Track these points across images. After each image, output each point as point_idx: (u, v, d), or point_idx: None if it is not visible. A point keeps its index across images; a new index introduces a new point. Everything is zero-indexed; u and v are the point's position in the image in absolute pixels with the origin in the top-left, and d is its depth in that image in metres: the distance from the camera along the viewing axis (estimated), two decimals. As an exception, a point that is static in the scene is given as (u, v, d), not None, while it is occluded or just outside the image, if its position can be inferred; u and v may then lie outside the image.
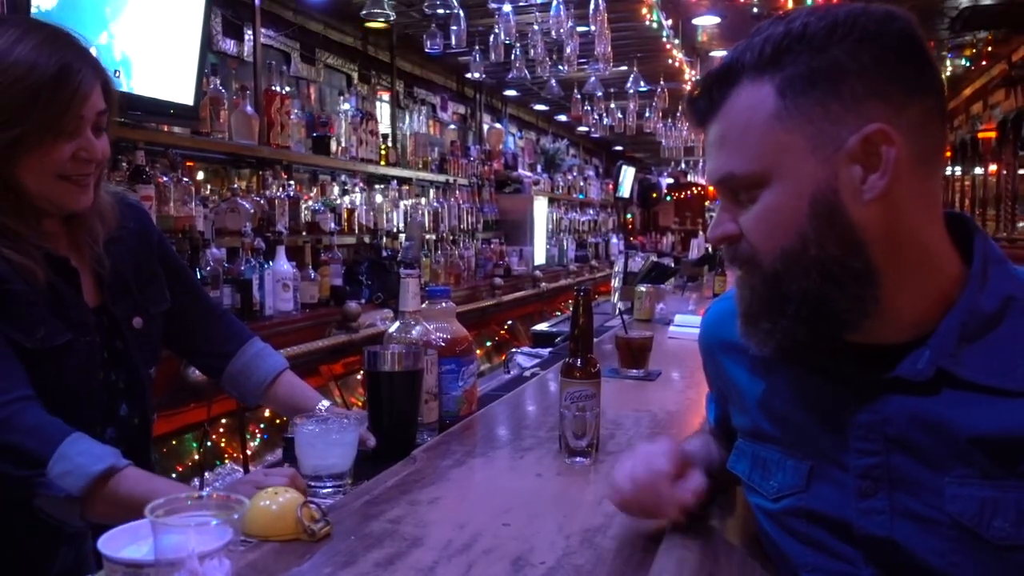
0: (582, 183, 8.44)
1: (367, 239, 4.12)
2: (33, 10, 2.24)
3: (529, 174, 6.87)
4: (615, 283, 3.73)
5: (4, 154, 1.11)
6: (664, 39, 5.07)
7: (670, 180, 12.81)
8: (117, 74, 2.61)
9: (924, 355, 0.79)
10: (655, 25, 4.81)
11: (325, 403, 1.42)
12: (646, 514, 0.99)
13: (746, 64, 0.81)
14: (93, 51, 1.22)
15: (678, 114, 8.32)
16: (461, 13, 3.99)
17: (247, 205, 3.23)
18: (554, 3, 3.87)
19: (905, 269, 0.80)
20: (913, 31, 0.79)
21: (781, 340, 0.84)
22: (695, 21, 5.01)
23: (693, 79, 5.91)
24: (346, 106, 4.41)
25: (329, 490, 1.17)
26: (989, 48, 6.35)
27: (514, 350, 2.79)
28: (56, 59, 1.12)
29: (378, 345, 1.43)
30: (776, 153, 0.79)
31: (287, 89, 3.75)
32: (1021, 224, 7.12)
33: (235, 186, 3.44)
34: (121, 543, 0.88)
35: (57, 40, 1.15)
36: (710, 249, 4.09)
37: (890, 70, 0.78)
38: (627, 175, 7.96)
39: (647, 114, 7.68)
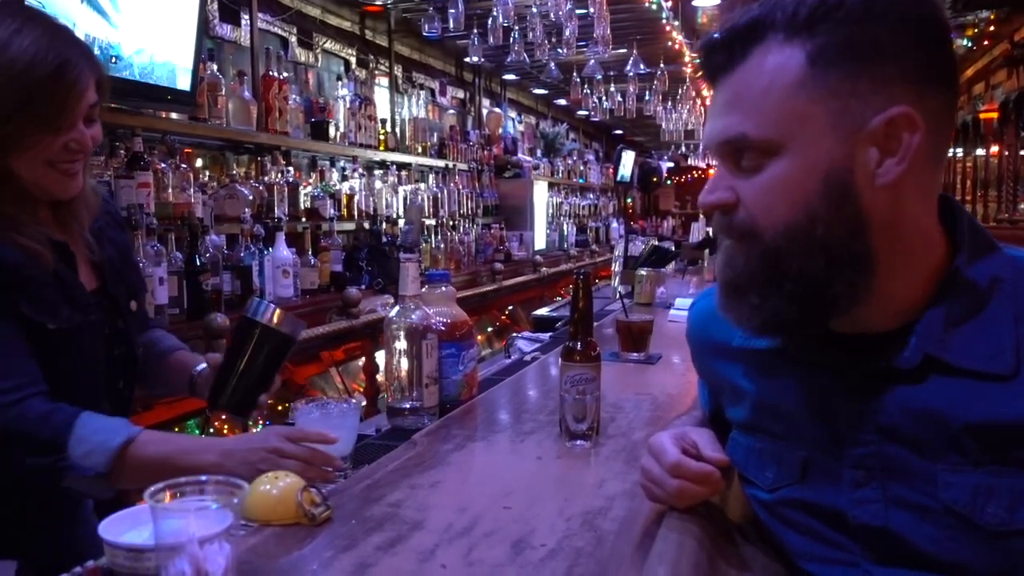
0: (582, 167, 8.41)
1: (367, 225, 4.11)
2: (27, -4, 2.22)
3: (529, 159, 6.85)
4: (615, 267, 3.72)
5: (1, 146, 1.13)
6: (664, 21, 5.04)
7: (670, 164, 12.77)
8: (113, 60, 2.60)
9: (911, 342, 0.79)
10: (654, 7, 4.78)
11: (202, 365, 1.41)
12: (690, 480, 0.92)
13: (776, 23, 0.77)
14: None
15: (678, 97, 8.28)
16: (459, -4, 3.96)
17: (246, 191, 3.22)
18: (553, -15, 3.85)
19: (900, 257, 0.79)
20: (944, 19, 0.78)
21: (767, 317, 0.81)
22: (695, 2, 4.97)
23: (694, 61, 5.87)
24: (344, 91, 4.38)
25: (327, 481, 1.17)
26: (991, 28, 6.30)
27: (514, 335, 2.80)
28: (54, 56, 1.12)
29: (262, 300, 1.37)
30: (795, 123, 0.76)
31: (285, 74, 3.72)
32: (1023, 205, 7.09)
33: (233, 172, 3.42)
34: (122, 528, 0.89)
35: (56, 35, 1.16)
36: (710, 233, 4.08)
37: (923, 57, 0.76)
38: (627, 159, 7.92)
39: (647, 97, 7.65)
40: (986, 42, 6.82)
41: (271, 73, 3.59)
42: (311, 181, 3.95)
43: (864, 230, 0.77)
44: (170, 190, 2.77)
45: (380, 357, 3.21)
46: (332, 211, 3.80)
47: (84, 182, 1.24)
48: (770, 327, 0.84)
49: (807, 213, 0.77)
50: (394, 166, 4.69)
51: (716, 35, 0.81)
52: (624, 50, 5.55)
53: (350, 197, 4.09)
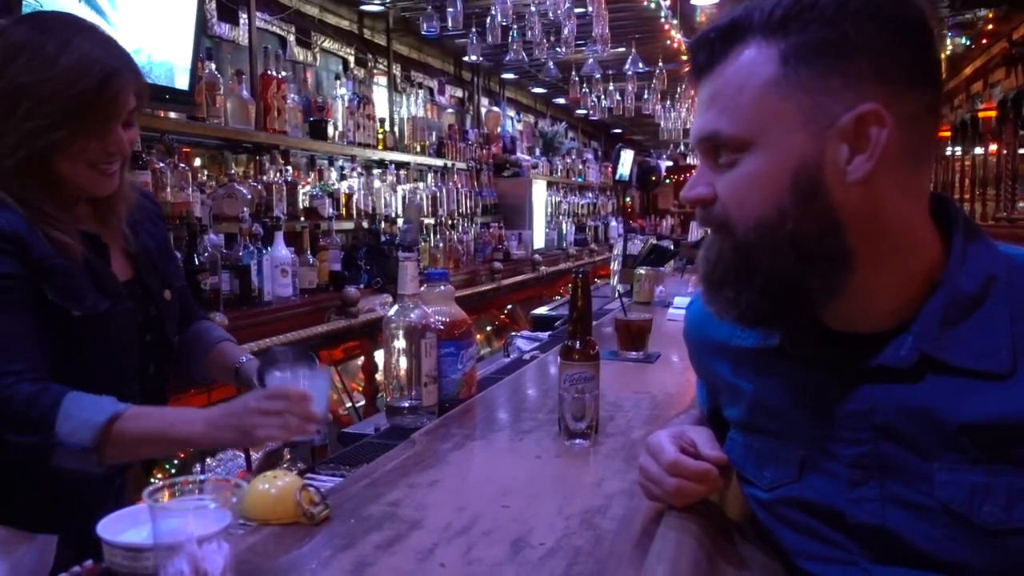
0: (581, 166, 8.41)
1: (365, 224, 4.11)
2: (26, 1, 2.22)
3: (527, 157, 6.84)
4: (614, 266, 3.71)
5: (48, 149, 1.20)
6: (662, 20, 5.04)
7: (669, 163, 12.77)
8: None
9: (907, 341, 0.79)
10: (653, 6, 4.78)
11: (245, 357, 1.48)
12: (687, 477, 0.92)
13: (753, 24, 0.78)
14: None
15: (677, 96, 8.29)
16: (458, -6, 3.96)
17: (244, 191, 3.21)
18: (551, -16, 3.85)
19: (883, 255, 0.79)
20: (926, 20, 0.78)
21: (743, 309, 0.83)
22: (693, 1, 4.97)
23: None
24: (343, 90, 4.38)
25: (307, 435, 1.18)
26: (990, 26, 6.31)
27: (513, 334, 2.79)
28: (100, 68, 1.20)
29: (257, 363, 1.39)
30: (766, 119, 0.77)
31: (283, 73, 3.71)
32: (1021, 204, 7.10)
33: (232, 172, 3.42)
34: (121, 527, 0.88)
35: (103, 47, 1.24)
36: (709, 231, 4.07)
37: (900, 56, 0.76)
38: (626, 158, 7.92)
39: (646, 96, 7.65)
40: (984, 40, 6.82)
41: (269, 72, 3.58)
42: (310, 180, 3.95)
43: (837, 226, 0.77)
44: (168, 189, 2.77)
45: (379, 356, 3.21)
46: (331, 210, 3.80)
47: (122, 180, 1.31)
48: (747, 319, 0.85)
49: (777, 208, 0.78)
50: (393, 165, 4.69)
51: (701, 35, 0.83)
52: (623, 49, 5.55)
53: (349, 196, 4.09)
